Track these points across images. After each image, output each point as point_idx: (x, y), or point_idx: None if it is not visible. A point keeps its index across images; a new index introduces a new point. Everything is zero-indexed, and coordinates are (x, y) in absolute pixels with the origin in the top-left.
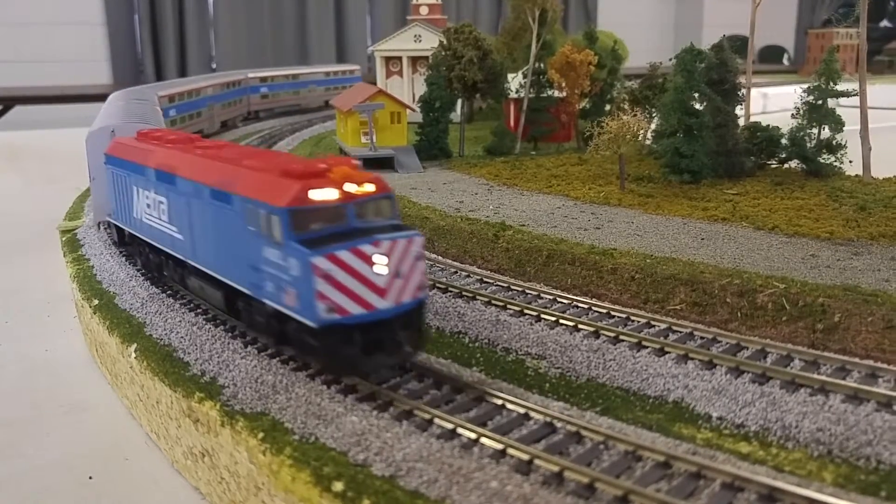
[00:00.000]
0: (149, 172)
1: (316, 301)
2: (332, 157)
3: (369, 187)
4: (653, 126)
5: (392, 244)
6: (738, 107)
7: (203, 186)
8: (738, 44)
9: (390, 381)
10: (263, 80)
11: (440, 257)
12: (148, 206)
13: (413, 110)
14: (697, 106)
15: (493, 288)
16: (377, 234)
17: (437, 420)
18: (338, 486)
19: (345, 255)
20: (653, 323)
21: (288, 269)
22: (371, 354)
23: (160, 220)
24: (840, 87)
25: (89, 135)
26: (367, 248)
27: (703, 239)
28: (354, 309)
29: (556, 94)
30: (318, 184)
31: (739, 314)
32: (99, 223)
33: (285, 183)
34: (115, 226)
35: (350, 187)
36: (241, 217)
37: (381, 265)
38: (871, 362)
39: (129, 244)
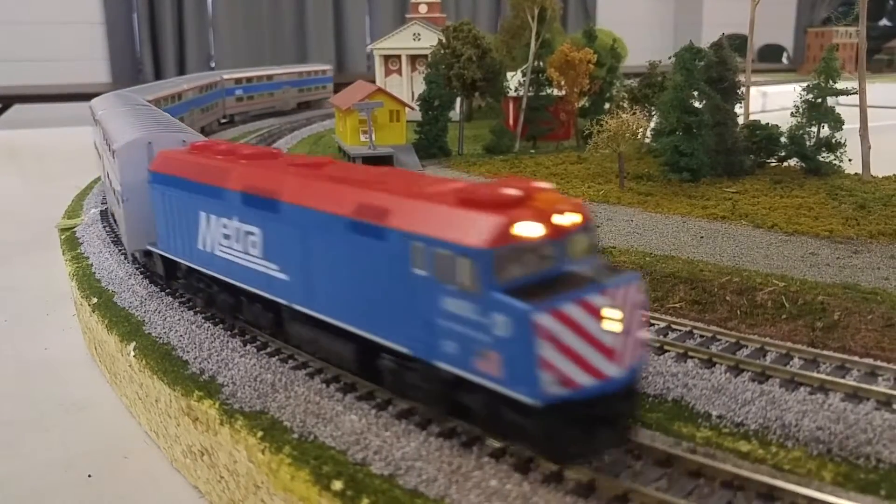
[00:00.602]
0: (228, 195)
1: (538, 371)
2: (513, 177)
3: (575, 217)
4: (652, 124)
5: (620, 292)
6: (738, 105)
7: (333, 216)
8: (738, 42)
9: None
10: (238, 81)
11: None
12: (226, 236)
13: (412, 109)
14: (697, 104)
15: None
16: (601, 281)
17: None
18: (337, 484)
19: (573, 311)
20: (652, 321)
21: (489, 328)
22: (593, 434)
23: (247, 254)
24: (839, 85)
25: (120, 148)
26: (595, 300)
27: (702, 237)
28: (584, 379)
29: (556, 92)
30: (521, 215)
31: (739, 312)
32: (134, 253)
33: (477, 215)
34: (163, 257)
35: (560, 219)
36: (400, 257)
37: (611, 320)
38: (870, 361)
39: (181, 279)
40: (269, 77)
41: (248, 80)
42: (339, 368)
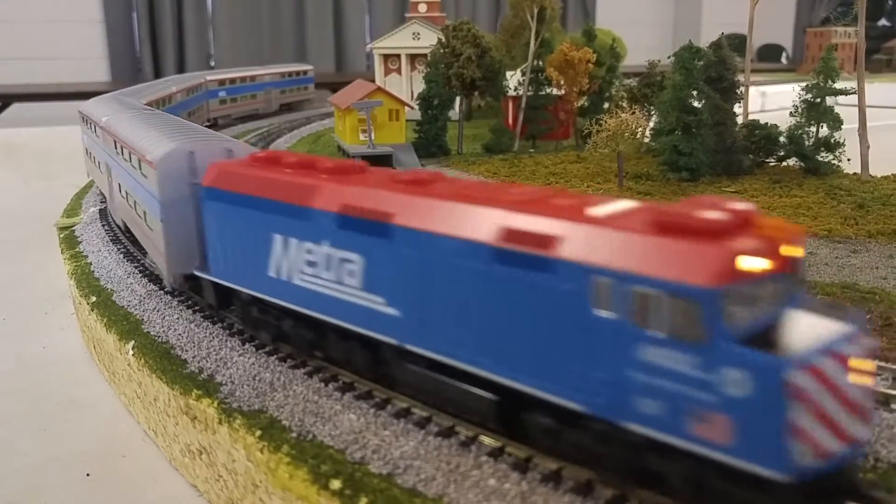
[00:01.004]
0: (317, 216)
1: (788, 440)
2: (702, 196)
3: (798, 246)
4: (651, 124)
5: (861, 337)
6: (737, 105)
7: (470, 243)
8: (737, 42)
9: None
10: (221, 83)
11: None
12: (311, 263)
13: (412, 108)
14: (696, 104)
15: None
16: (841, 324)
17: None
18: (335, 483)
19: (826, 364)
20: None
21: (715, 385)
22: None
23: (341, 284)
24: (838, 85)
25: (160, 159)
26: (845, 349)
27: None
28: (836, 447)
29: (555, 91)
30: (746, 245)
31: None
32: (174, 277)
33: (693, 245)
34: (215, 285)
35: (786, 248)
36: (575, 295)
37: (861, 372)
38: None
39: (239, 309)
40: (252, 78)
41: (232, 81)
42: (466, 421)
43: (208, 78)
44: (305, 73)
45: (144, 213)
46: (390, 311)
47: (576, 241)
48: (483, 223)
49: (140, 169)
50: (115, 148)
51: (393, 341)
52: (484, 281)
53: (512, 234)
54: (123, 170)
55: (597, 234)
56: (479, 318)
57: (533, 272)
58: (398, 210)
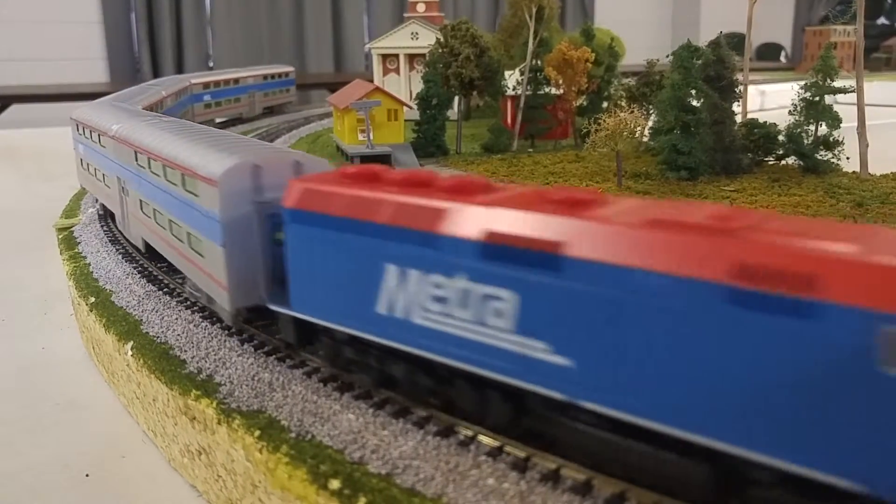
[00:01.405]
0: (449, 244)
1: None
2: None
3: None
4: (650, 123)
5: None
6: (736, 104)
7: (690, 281)
8: (736, 41)
9: None
10: (206, 86)
11: None
12: (438, 299)
13: (410, 108)
14: (695, 103)
15: None
16: None
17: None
18: (334, 483)
19: None
20: None
21: None
22: None
23: (482, 325)
24: (837, 83)
25: (223, 175)
26: None
27: None
28: None
29: (554, 91)
30: None
31: None
32: (238, 311)
33: None
34: (295, 320)
35: None
36: (851, 348)
37: None
38: None
39: (328, 349)
40: (236, 81)
41: (216, 84)
42: (659, 492)
43: (193, 81)
44: (287, 74)
45: (189, 235)
46: (557, 359)
47: (853, 282)
48: (704, 255)
49: (184, 185)
50: (137, 160)
51: (561, 396)
52: (705, 326)
53: (752, 271)
54: (152, 185)
55: (885, 273)
56: (694, 370)
57: (783, 317)
58: (568, 238)
